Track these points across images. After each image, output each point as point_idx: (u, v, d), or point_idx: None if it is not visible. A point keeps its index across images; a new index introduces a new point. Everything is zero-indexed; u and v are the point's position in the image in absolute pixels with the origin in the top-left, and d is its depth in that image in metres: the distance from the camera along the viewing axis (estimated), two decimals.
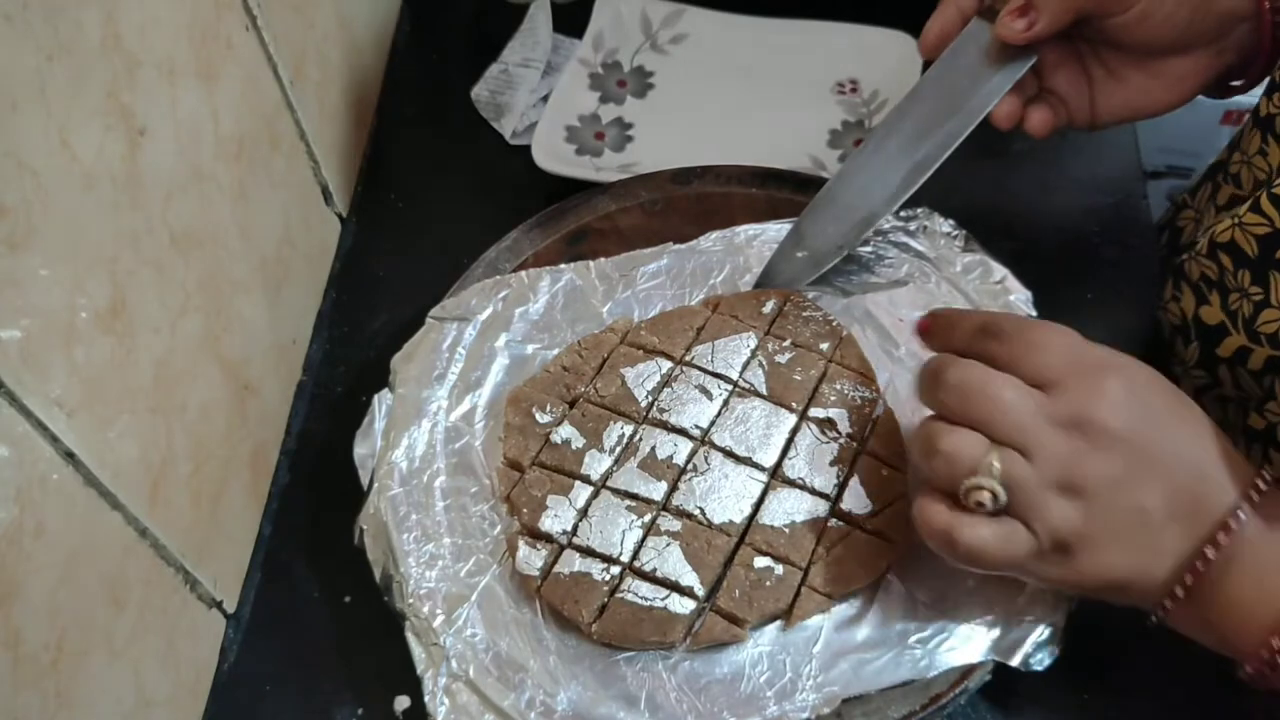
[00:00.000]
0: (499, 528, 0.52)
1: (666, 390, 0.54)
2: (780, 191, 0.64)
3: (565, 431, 0.53)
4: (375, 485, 0.53)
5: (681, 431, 0.53)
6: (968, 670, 0.47)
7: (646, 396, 0.54)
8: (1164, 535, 0.43)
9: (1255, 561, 0.42)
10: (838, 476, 0.51)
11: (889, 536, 0.49)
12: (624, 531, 0.50)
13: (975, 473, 0.42)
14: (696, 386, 0.54)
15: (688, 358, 0.55)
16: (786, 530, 0.49)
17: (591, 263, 0.61)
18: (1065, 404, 0.43)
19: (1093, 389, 0.43)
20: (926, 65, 0.58)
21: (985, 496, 0.42)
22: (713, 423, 0.53)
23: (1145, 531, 0.43)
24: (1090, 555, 0.43)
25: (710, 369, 0.54)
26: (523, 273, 0.60)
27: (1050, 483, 0.42)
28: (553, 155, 0.68)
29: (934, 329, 0.49)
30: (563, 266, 0.60)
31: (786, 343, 0.55)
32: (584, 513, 0.51)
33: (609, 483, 0.52)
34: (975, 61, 0.55)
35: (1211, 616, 0.43)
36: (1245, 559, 0.42)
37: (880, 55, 0.72)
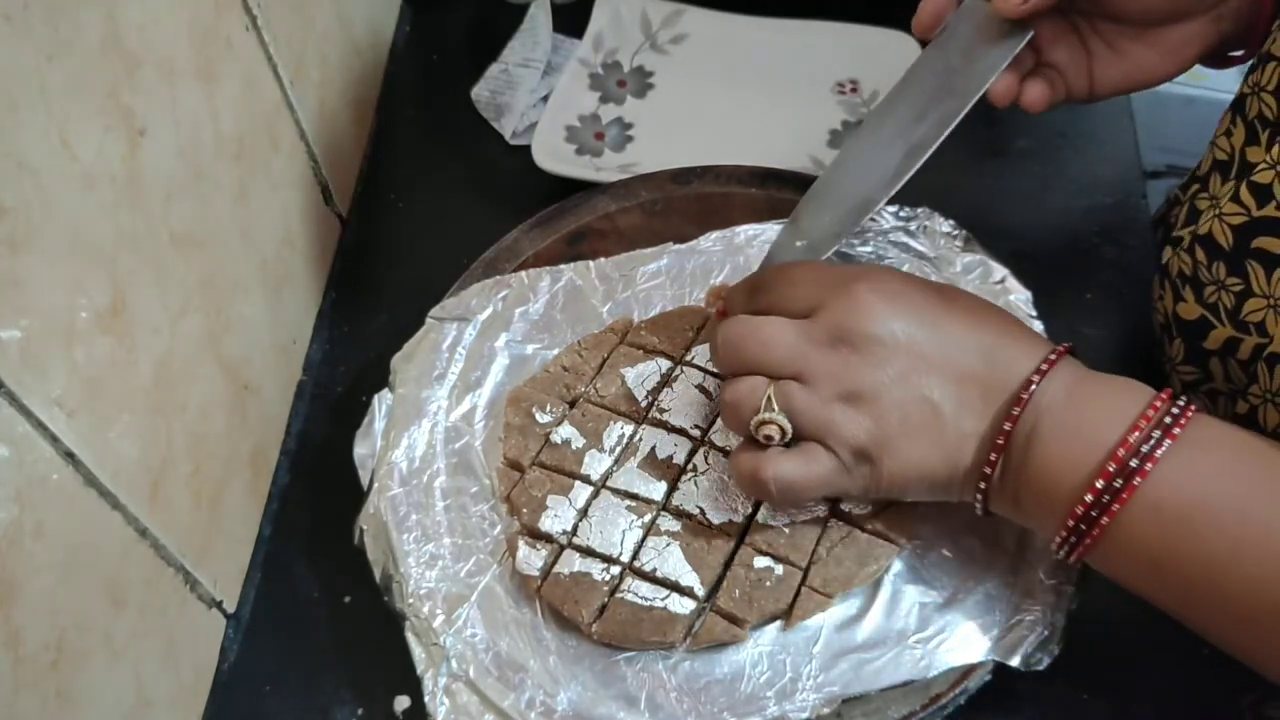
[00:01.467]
0: (499, 528, 0.52)
1: (666, 390, 0.54)
2: (780, 191, 0.63)
3: (565, 431, 0.53)
4: (375, 485, 0.53)
5: (681, 431, 0.53)
6: (968, 670, 0.47)
7: (646, 396, 0.54)
8: (961, 421, 0.43)
9: (1056, 431, 0.42)
10: None
11: (889, 536, 0.49)
12: (624, 531, 0.50)
13: (757, 412, 0.45)
14: (696, 386, 0.54)
15: (688, 358, 0.55)
16: (786, 530, 0.49)
17: (591, 263, 0.61)
18: (825, 322, 0.45)
19: (846, 301, 0.45)
20: (922, 48, 0.57)
21: (773, 430, 0.45)
22: (712, 423, 0.53)
23: (939, 421, 0.44)
24: (892, 457, 0.44)
25: (710, 369, 0.54)
26: (523, 273, 0.60)
27: (831, 399, 0.44)
28: (553, 155, 0.68)
29: (726, 307, 0.52)
30: (563, 266, 0.60)
31: None
32: (584, 513, 0.51)
33: (609, 483, 0.52)
34: (970, 39, 0.54)
35: (1023, 495, 0.43)
36: (1045, 430, 0.42)
37: (880, 55, 0.72)
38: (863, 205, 0.56)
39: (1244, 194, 0.51)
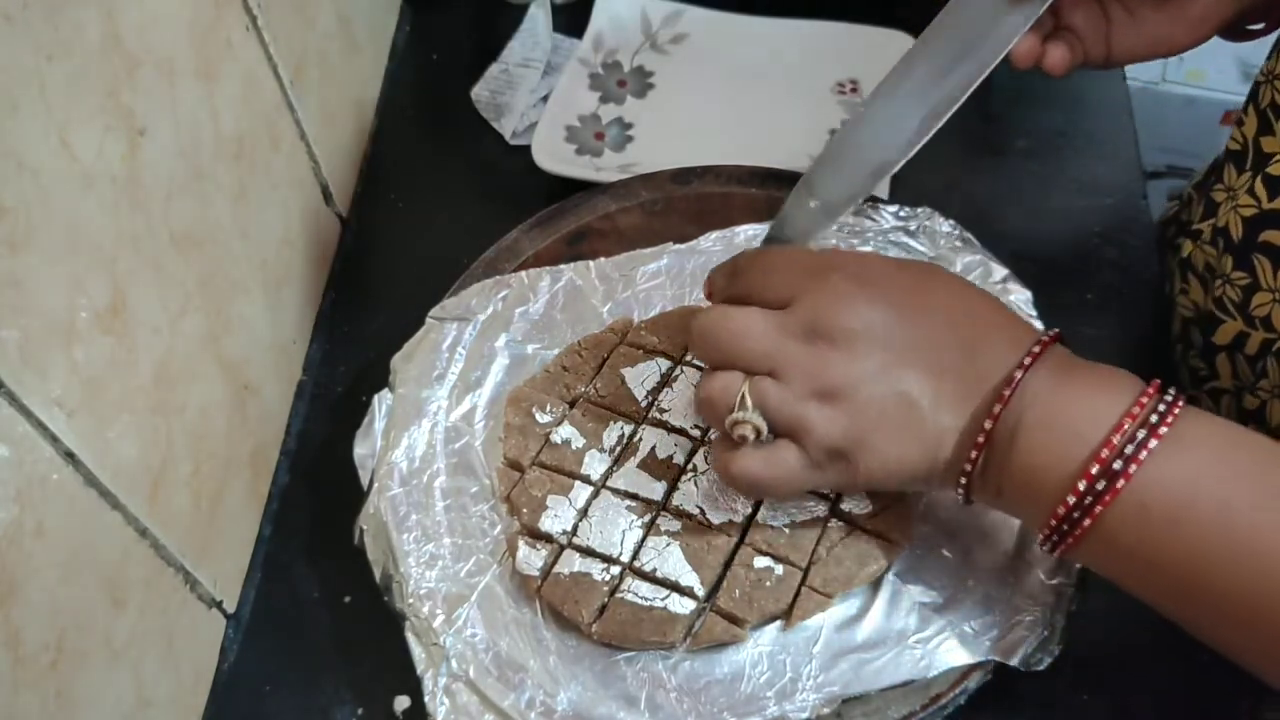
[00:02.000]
0: (499, 528, 0.52)
1: (666, 390, 0.54)
2: (780, 191, 0.63)
3: (565, 431, 0.53)
4: (375, 485, 0.53)
5: (681, 432, 0.53)
6: (968, 670, 0.47)
7: (646, 396, 0.54)
8: (940, 416, 0.42)
9: (1039, 427, 0.41)
10: None
11: (889, 536, 0.49)
12: (624, 531, 0.50)
13: (732, 410, 0.43)
14: (696, 386, 0.54)
15: (688, 358, 0.55)
16: (786, 530, 0.49)
17: (591, 263, 0.61)
18: (800, 314, 0.43)
19: (822, 293, 0.43)
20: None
21: (747, 430, 0.43)
22: None
23: (916, 417, 0.42)
24: (868, 454, 0.43)
25: None
26: (523, 273, 0.60)
27: (805, 395, 0.43)
28: (553, 155, 0.68)
29: (708, 288, 0.50)
30: (563, 266, 0.60)
31: None
32: (584, 513, 0.51)
33: (609, 483, 0.52)
34: None
35: (1006, 488, 0.42)
36: (1029, 424, 0.41)
37: (880, 55, 0.72)
38: (880, 167, 0.55)
39: (1258, 186, 0.51)
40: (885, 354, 0.42)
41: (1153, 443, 0.39)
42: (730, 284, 0.48)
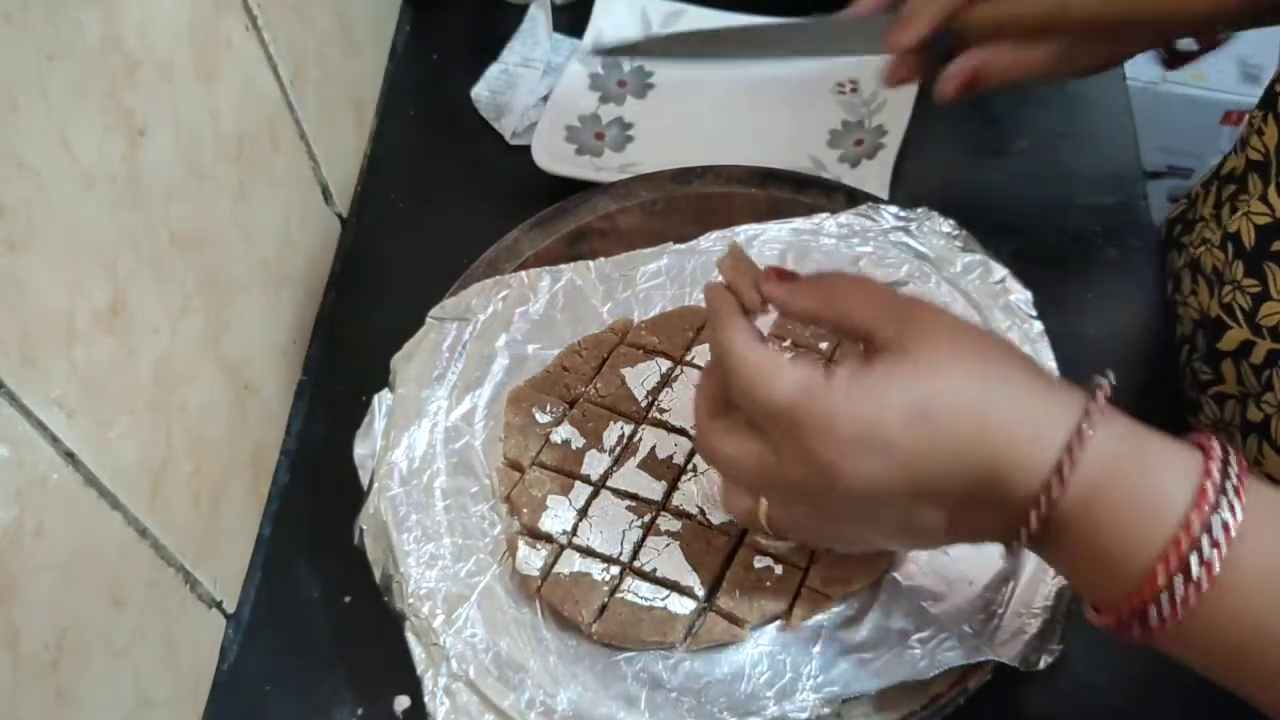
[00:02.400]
0: (499, 528, 0.52)
1: (666, 390, 0.54)
2: (780, 191, 0.64)
3: (565, 431, 0.53)
4: (375, 485, 0.53)
5: (681, 431, 0.53)
6: (968, 670, 0.47)
7: (646, 396, 0.54)
8: (961, 532, 0.40)
9: (1092, 524, 0.36)
10: None
11: None
12: (624, 531, 0.50)
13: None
14: (696, 386, 0.54)
15: (688, 358, 0.55)
16: None
17: (591, 263, 0.61)
18: (792, 475, 0.40)
19: (805, 465, 0.39)
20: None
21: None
22: None
23: (940, 535, 0.40)
24: (900, 549, 0.47)
25: None
26: (523, 273, 0.60)
27: (819, 526, 0.42)
28: (553, 155, 0.68)
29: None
30: (563, 266, 0.60)
31: (786, 343, 0.55)
32: (584, 513, 0.51)
33: (609, 483, 0.52)
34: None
35: (1051, 562, 0.41)
36: (1069, 541, 0.37)
37: (880, 55, 0.72)
38: (699, 52, 0.62)
39: (1272, 194, 0.51)
40: (893, 508, 0.39)
41: (1192, 594, 0.35)
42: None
